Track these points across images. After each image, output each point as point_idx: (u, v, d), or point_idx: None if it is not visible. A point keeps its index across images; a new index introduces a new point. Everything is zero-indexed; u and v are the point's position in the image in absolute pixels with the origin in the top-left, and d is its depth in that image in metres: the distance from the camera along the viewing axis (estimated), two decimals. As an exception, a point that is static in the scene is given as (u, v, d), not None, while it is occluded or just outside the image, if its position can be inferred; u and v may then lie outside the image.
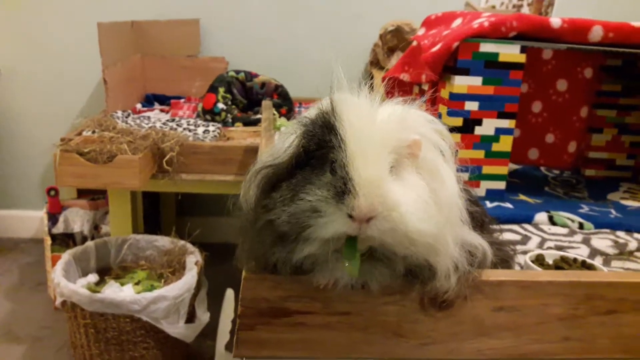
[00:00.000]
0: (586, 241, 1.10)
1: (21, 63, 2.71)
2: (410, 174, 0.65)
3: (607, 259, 1.03)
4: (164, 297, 1.64)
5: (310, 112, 0.70)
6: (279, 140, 0.73)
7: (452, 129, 1.19)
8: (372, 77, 2.59)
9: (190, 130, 2.04)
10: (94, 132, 1.89)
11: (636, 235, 1.15)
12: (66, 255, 1.84)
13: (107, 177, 1.67)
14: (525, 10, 2.71)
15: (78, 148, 1.70)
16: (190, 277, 1.74)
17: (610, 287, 0.78)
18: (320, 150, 0.65)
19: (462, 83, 1.21)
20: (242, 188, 0.71)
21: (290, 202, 0.62)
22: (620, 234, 1.15)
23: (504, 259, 0.83)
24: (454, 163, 0.70)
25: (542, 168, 1.65)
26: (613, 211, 1.27)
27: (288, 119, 2.23)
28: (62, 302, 1.69)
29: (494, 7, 2.75)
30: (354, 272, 0.62)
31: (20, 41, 2.68)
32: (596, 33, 1.20)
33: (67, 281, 1.68)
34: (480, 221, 0.79)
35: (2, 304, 2.26)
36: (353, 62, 2.73)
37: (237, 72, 2.38)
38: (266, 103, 2.09)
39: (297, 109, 2.45)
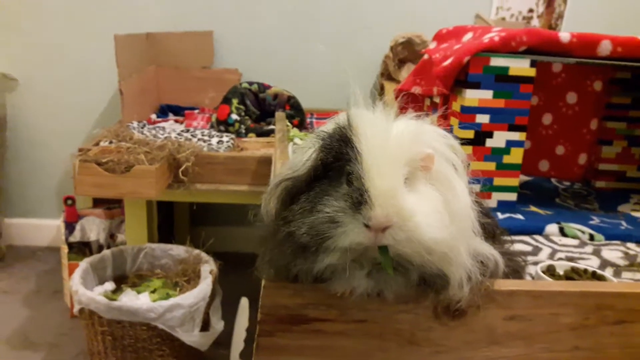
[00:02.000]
0: (597, 252, 1.11)
1: (39, 73, 2.77)
2: (423, 186, 0.67)
3: (618, 270, 1.05)
4: (179, 306, 1.67)
5: (327, 127, 0.73)
6: (297, 153, 0.76)
7: (464, 142, 1.22)
8: (382, 89, 2.62)
9: (204, 141, 2.07)
10: (111, 142, 1.93)
11: (646, 246, 1.17)
12: (84, 264, 1.87)
13: (125, 187, 1.71)
14: (535, 22, 2.73)
15: (96, 158, 1.74)
16: (205, 285, 1.77)
17: (620, 298, 0.79)
18: (338, 162, 0.68)
19: (473, 96, 1.23)
20: (262, 200, 0.74)
21: (309, 214, 0.65)
22: (631, 245, 1.16)
23: (515, 270, 0.85)
24: (466, 176, 0.72)
25: (553, 180, 1.67)
26: (624, 223, 1.28)
27: (300, 129, 2.26)
28: (80, 310, 1.72)
29: (503, 19, 2.77)
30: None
31: (38, 52, 2.74)
32: (605, 47, 1.22)
33: (85, 289, 1.72)
34: (492, 232, 0.81)
35: (20, 312, 2.30)
36: (364, 74, 2.77)
37: (250, 83, 2.42)
38: (279, 114, 2.13)
39: (309, 120, 2.48)
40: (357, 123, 0.66)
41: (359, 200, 0.63)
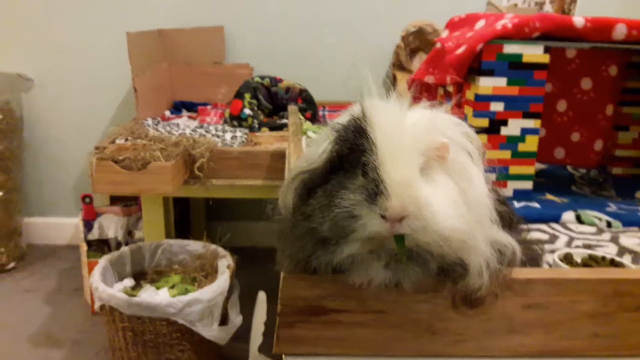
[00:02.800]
0: (614, 239, 1.10)
1: (54, 73, 2.80)
2: (439, 175, 0.67)
3: (636, 256, 1.04)
4: (198, 300, 1.69)
5: (342, 118, 0.73)
6: (313, 146, 0.77)
7: (478, 130, 1.21)
8: (394, 79, 2.61)
9: (218, 137, 2.09)
10: (126, 139, 1.95)
11: (665, 232, 1.15)
12: (103, 261, 1.90)
13: (142, 184, 1.73)
14: (548, 7, 2.70)
15: (113, 156, 1.76)
16: (222, 280, 1.78)
17: (639, 284, 0.79)
18: (353, 154, 0.68)
19: (487, 84, 1.23)
20: (280, 194, 0.74)
21: (327, 208, 0.65)
22: (649, 231, 1.16)
23: (532, 258, 0.85)
24: (481, 164, 0.72)
25: (569, 167, 1.65)
26: (641, 208, 1.27)
27: (313, 122, 2.26)
28: (101, 306, 1.75)
29: (516, 5, 2.74)
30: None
31: (52, 51, 2.77)
32: (620, 31, 1.21)
33: (105, 286, 1.74)
34: (508, 220, 0.81)
35: (42, 309, 2.34)
36: (375, 65, 2.75)
37: (262, 77, 2.43)
38: (292, 108, 2.13)
39: (321, 113, 2.48)
40: (371, 114, 0.67)
41: (374, 192, 0.63)
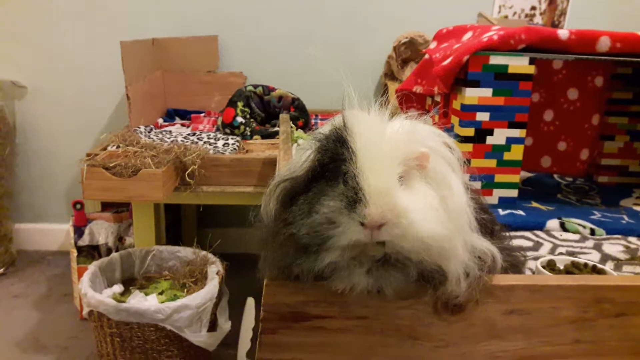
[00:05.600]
0: (597, 247, 1.12)
1: (47, 80, 2.80)
2: (419, 183, 0.69)
3: (618, 264, 1.06)
4: (187, 306, 1.69)
5: (324, 129, 0.75)
6: (296, 155, 0.78)
7: (464, 139, 1.23)
8: (386, 88, 2.63)
9: (210, 144, 2.10)
10: (118, 147, 1.95)
11: (648, 240, 1.17)
12: (92, 267, 1.90)
13: (132, 191, 1.73)
14: (538, 19, 2.73)
15: (104, 163, 1.76)
16: (212, 286, 1.79)
17: (619, 291, 0.80)
18: (334, 163, 0.69)
19: (473, 95, 1.24)
20: (262, 201, 0.75)
21: (307, 215, 0.67)
22: (632, 239, 1.17)
23: (514, 264, 0.86)
24: (462, 173, 0.73)
25: (555, 175, 1.67)
26: (625, 217, 1.29)
27: (305, 130, 2.28)
28: (89, 312, 1.75)
29: (506, 16, 2.77)
30: None
31: (45, 59, 2.78)
32: (604, 43, 1.23)
33: (93, 292, 1.74)
34: (490, 228, 0.82)
35: (30, 315, 2.33)
36: (368, 74, 2.78)
37: (255, 86, 2.44)
38: (283, 116, 2.15)
39: (313, 121, 2.50)
40: (352, 124, 0.68)
41: (354, 199, 0.64)
